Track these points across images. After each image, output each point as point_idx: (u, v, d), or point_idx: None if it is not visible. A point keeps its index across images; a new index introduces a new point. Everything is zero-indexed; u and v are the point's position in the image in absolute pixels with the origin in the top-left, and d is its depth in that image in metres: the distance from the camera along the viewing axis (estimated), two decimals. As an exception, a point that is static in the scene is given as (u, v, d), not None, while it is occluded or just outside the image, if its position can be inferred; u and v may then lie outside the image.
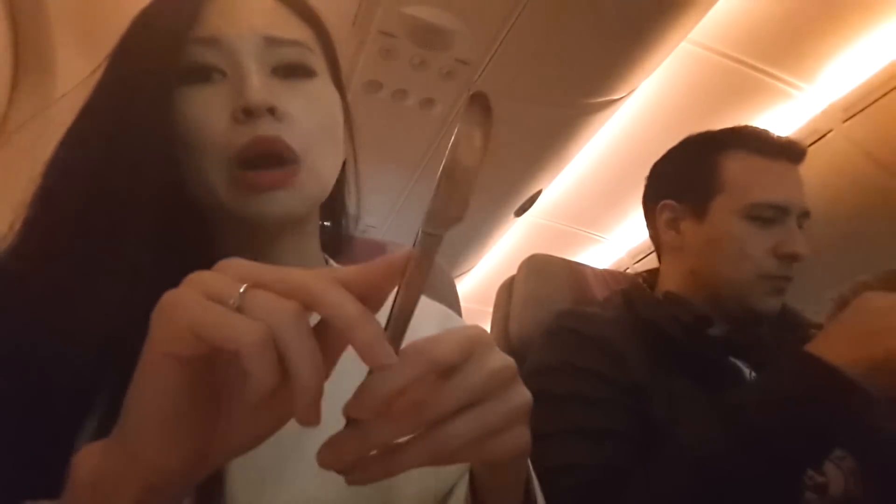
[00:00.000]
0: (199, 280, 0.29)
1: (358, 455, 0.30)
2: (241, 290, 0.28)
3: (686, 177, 1.00)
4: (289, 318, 0.27)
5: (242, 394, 0.31)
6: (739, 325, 0.91)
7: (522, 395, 0.34)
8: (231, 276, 0.29)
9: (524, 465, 0.43)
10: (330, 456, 0.30)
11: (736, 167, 0.94)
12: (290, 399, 0.27)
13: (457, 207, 0.30)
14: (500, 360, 0.33)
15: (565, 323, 0.93)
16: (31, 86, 0.95)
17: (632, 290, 1.00)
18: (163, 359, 0.28)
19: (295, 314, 0.27)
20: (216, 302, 0.27)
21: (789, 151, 0.95)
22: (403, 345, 0.30)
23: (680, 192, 1.00)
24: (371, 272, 0.30)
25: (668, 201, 1.01)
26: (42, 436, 0.36)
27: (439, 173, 0.29)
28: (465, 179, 0.29)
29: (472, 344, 0.32)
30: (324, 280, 0.28)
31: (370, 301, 0.30)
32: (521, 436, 0.34)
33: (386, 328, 0.30)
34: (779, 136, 0.96)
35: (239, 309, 0.27)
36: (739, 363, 0.90)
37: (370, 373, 0.29)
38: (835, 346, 0.70)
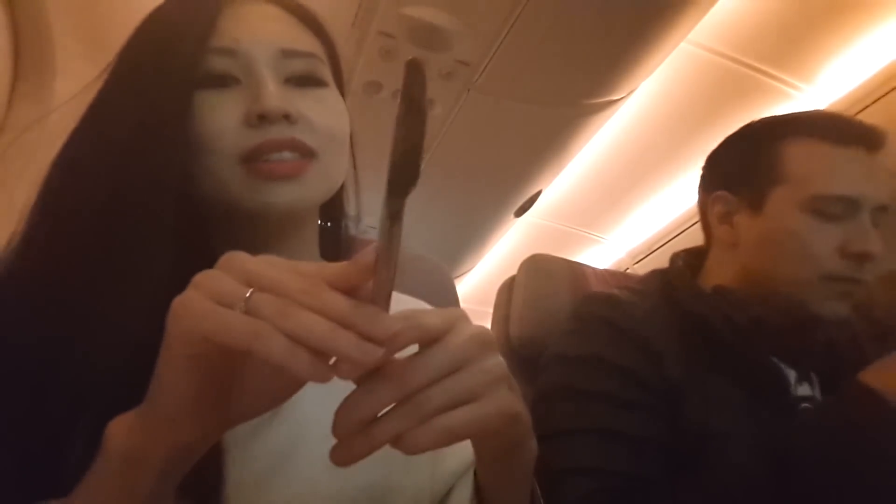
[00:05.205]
0: (206, 284, 0.31)
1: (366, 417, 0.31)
2: (248, 295, 0.30)
3: (743, 166, 0.90)
4: (291, 314, 0.29)
5: (253, 369, 0.34)
6: (794, 329, 0.82)
7: (498, 358, 0.35)
8: (236, 277, 0.31)
9: (529, 469, 0.42)
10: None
11: (799, 155, 0.83)
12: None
13: (411, 174, 0.31)
14: (475, 327, 0.35)
15: (597, 310, 0.86)
16: (30, 90, 0.95)
17: (673, 277, 0.90)
18: (182, 360, 0.31)
19: (295, 310, 0.29)
20: (226, 306, 0.29)
21: (864, 137, 0.83)
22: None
23: (735, 183, 0.90)
24: (347, 273, 0.31)
25: (722, 192, 0.90)
26: (40, 440, 0.36)
27: (392, 146, 0.30)
28: (415, 147, 0.30)
29: (452, 321, 0.34)
30: (316, 288, 0.30)
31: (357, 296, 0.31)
32: (505, 398, 0.34)
33: None
34: (853, 120, 0.86)
35: (247, 313, 0.29)
36: (784, 367, 0.83)
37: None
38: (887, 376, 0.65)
